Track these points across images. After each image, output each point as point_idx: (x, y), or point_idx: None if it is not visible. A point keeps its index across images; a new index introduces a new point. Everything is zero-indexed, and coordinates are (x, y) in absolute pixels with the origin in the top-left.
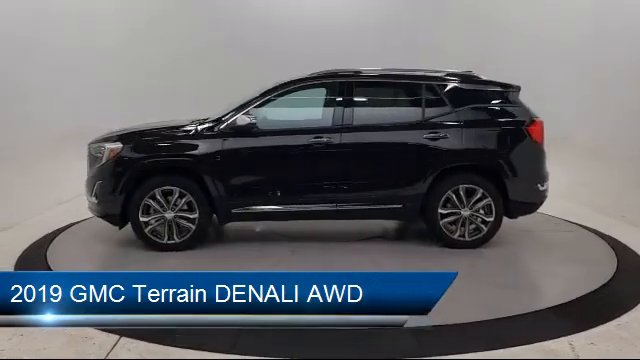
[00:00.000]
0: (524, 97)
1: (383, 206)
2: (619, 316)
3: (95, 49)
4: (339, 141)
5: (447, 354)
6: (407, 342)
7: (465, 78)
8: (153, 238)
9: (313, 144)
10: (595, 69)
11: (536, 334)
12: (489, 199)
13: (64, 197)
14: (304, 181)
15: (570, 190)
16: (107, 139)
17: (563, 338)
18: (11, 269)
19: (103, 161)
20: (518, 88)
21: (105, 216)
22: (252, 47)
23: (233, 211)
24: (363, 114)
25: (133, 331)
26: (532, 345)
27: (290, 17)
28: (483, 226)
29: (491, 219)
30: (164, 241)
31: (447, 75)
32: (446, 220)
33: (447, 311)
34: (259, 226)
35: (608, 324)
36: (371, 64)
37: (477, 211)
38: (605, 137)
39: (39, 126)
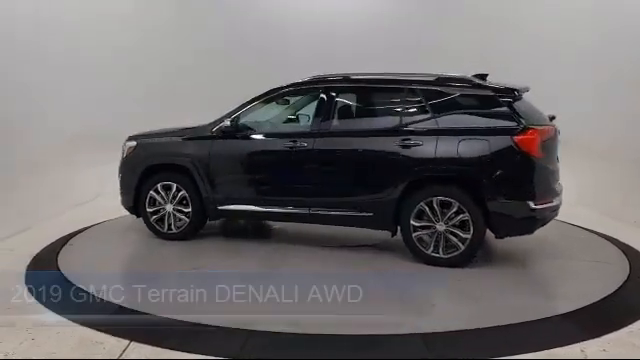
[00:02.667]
0: (530, 98)
1: (354, 213)
2: (631, 323)
3: (107, 51)
4: (313, 146)
5: (459, 359)
6: (415, 346)
7: (452, 82)
8: (157, 227)
9: (288, 149)
10: (601, 70)
11: (547, 341)
12: (466, 214)
13: (80, 199)
14: (280, 184)
15: (578, 194)
16: (129, 138)
17: (575, 345)
18: (24, 270)
19: (123, 157)
20: (514, 93)
21: (126, 208)
22: (263, 50)
23: (219, 208)
24: (342, 120)
25: (143, 335)
26: (543, 352)
27: (303, 21)
28: (460, 244)
29: (468, 236)
30: (164, 230)
31: (434, 79)
32: (419, 233)
33: (458, 316)
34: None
35: (620, 331)
36: (376, 66)
37: (454, 226)
38: (611, 139)
39: (53, 128)
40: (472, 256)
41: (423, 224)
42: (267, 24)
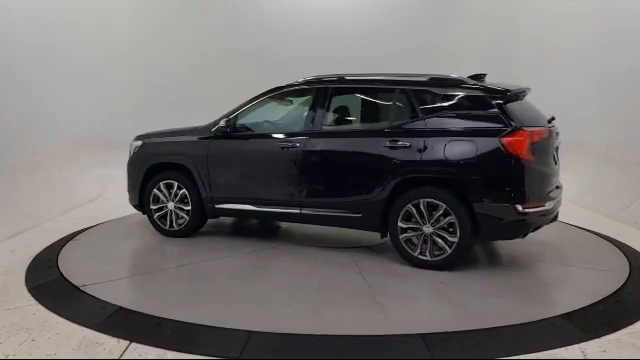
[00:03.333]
0: (535, 100)
1: (343, 213)
2: (632, 323)
3: (110, 54)
4: (304, 147)
5: (459, 359)
6: (416, 347)
7: (443, 83)
8: (160, 224)
9: (280, 149)
10: (602, 71)
11: (547, 341)
12: (453, 216)
13: (81, 200)
14: (272, 184)
15: (578, 195)
16: (136, 137)
17: (575, 345)
18: (24, 270)
19: (130, 156)
20: (505, 93)
21: (133, 205)
22: (265, 50)
23: (217, 207)
24: (333, 120)
25: (143, 336)
26: (543, 352)
27: (302, 23)
28: (447, 247)
29: (455, 239)
30: (167, 228)
31: (426, 80)
32: (407, 235)
33: (458, 318)
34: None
35: (620, 332)
36: (376, 66)
37: (442, 229)
38: (614, 141)
39: (54, 128)
40: (461, 258)
41: (410, 226)
42: (269, 25)
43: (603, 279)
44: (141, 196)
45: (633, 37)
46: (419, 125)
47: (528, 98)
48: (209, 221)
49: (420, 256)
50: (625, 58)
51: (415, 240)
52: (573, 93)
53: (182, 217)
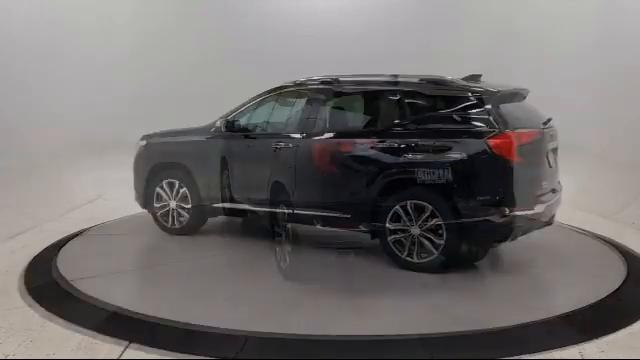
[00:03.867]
0: (535, 100)
1: (332, 214)
2: (630, 324)
3: (109, 56)
4: (295, 147)
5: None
6: (415, 347)
7: (432, 84)
8: (163, 222)
9: (273, 149)
10: (601, 72)
11: (545, 343)
12: (439, 218)
13: (80, 201)
14: (265, 183)
15: (576, 196)
16: (142, 137)
17: (573, 346)
18: (23, 271)
19: (135, 156)
20: (495, 95)
21: (139, 203)
22: (266, 53)
23: (215, 205)
24: (325, 121)
25: (142, 337)
26: (541, 353)
27: (302, 23)
28: (433, 249)
29: (441, 241)
30: (169, 225)
31: (416, 81)
32: (394, 237)
33: (454, 319)
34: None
35: (618, 332)
36: (375, 67)
37: (429, 231)
38: (612, 142)
39: (54, 129)
40: (451, 261)
41: (399, 227)
42: (269, 25)
43: (601, 280)
44: (146, 194)
45: (633, 37)
46: (408, 126)
47: (527, 98)
48: (215, 219)
49: (407, 258)
50: (625, 58)
51: (404, 241)
52: (573, 93)
53: (183, 215)
